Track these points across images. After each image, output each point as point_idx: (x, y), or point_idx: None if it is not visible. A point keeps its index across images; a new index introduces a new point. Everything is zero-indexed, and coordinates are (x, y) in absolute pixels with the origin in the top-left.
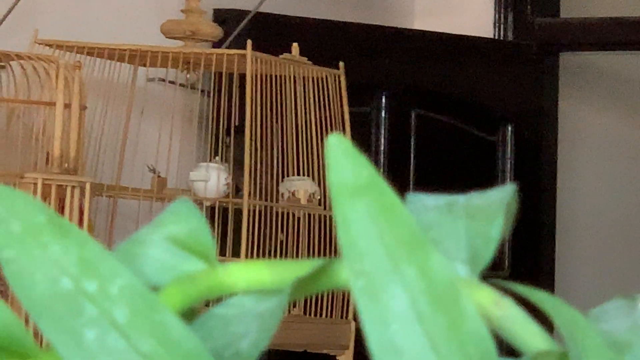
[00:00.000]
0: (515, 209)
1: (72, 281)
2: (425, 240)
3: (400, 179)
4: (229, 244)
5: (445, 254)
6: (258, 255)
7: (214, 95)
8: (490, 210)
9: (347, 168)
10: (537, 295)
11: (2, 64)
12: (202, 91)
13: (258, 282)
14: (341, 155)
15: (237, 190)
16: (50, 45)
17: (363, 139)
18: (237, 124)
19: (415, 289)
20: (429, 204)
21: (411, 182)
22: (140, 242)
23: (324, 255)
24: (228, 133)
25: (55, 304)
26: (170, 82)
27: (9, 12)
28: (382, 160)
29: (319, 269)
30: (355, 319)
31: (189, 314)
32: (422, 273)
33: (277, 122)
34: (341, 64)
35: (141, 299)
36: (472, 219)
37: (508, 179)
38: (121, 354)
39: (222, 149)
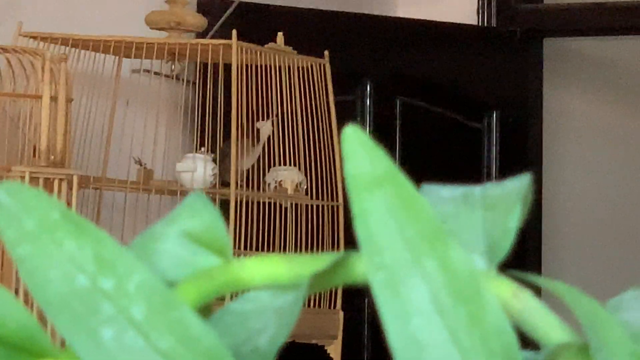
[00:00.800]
0: (530, 200)
1: (88, 278)
2: (445, 232)
3: None
4: None
5: (462, 245)
6: (246, 247)
7: (199, 85)
8: (507, 201)
9: (364, 160)
10: (556, 286)
11: None
12: (187, 82)
13: (274, 276)
14: (357, 146)
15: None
16: (34, 38)
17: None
18: (222, 114)
19: (436, 282)
20: (445, 195)
21: None
22: (155, 237)
23: (311, 244)
24: (214, 125)
25: (71, 302)
26: (155, 73)
27: None
28: None
29: (335, 263)
30: (343, 308)
31: (204, 310)
32: (442, 266)
33: (262, 111)
34: (326, 52)
35: (158, 296)
36: (489, 210)
37: (493, 166)
38: (139, 352)
39: (208, 140)
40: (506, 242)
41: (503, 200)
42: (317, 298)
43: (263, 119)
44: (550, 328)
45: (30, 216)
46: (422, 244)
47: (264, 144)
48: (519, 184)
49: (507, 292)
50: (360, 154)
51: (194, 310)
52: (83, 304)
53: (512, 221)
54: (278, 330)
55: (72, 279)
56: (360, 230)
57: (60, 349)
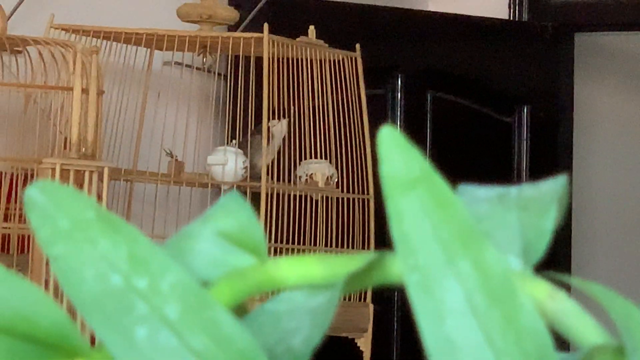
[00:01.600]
0: (566, 201)
1: (122, 278)
2: (479, 233)
3: None
4: None
5: (497, 246)
6: (277, 240)
7: (230, 78)
8: (543, 202)
9: (400, 160)
10: (592, 287)
11: (19, 49)
12: (219, 75)
13: (309, 277)
14: (393, 147)
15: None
16: (66, 30)
17: (379, 121)
18: (253, 107)
19: (470, 283)
20: (480, 196)
21: None
22: (190, 236)
23: (342, 237)
24: (245, 118)
25: (105, 301)
26: (186, 65)
27: None
28: None
29: (370, 263)
30: (373, 302)
31: (239, 310)
32: (477, 267)
33: (294, 105)
34: (357, 46)
35: (192, 295)
36: (524, 210)
37: (524, 161)
38: (173, 352)
39: (239, 133)
40: (541, 243)
41: (538, 201)
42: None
43: (294, 113)
44: (585, 329)
45: (65, 215)
46: (456, 245)
47: (295, 138)
48: (555, 185)
49: (542, 293)
50: (396, 154)
51: (228, 310)
52: (117, 303)
53: (548, 222)
54: (312, 330)
55: (106, 278)
56: (395, 232)
57: (93, 348)
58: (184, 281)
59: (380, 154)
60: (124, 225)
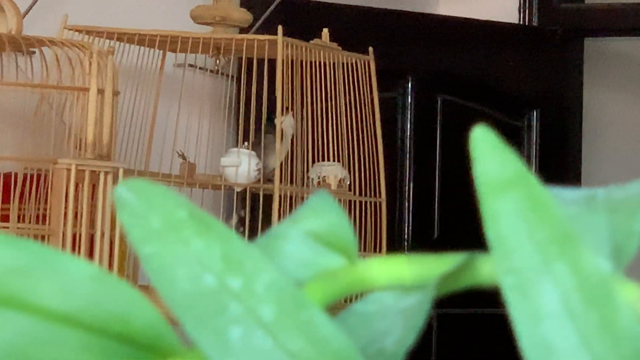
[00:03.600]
0: None
1: (216, 278)
2: (575, 235)
3: (426, 164)
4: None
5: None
6: None
7: (243, 80)
8: (632, 203)
9: (494, 162)
10: None
11: (34, 49)
12: (232, 77)
13: (399, 278)
14: (487, 148)
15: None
16: (79, 31)
17: (389, 124)
18: (267, 110)
19: (567, 286)
20: (567, 198)
21: (437, 168)
22: (279, 236)
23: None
24: (258, 121)
25: (198, 302)
26: (199, 68)
27: None
28: (408, 145)
29: (461, 265)
30: None
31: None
32: (573, 269)
33: (307, 107)
34: (371, 49)
35: (287, 296)
36: (613, 212)
37: (533, 164)
38: (268, 353)
39: (251, 135)
40: (631, 245)
41: (627, 203)
42: None
43: (307, 115)
44: None
45: (156, 215)
46: (552, 247)
47: (307, 140)
48: None
49: (633, 296)
50: (490, 155)
51: (323, 311)
52: (210, 303)
53: (637, 224)
54: (405, 332)
55: (200, 278)
56: (491, 233)
57: (187, 349)
58: (278, 282)
59: (474, 155)
60: (217, 224)
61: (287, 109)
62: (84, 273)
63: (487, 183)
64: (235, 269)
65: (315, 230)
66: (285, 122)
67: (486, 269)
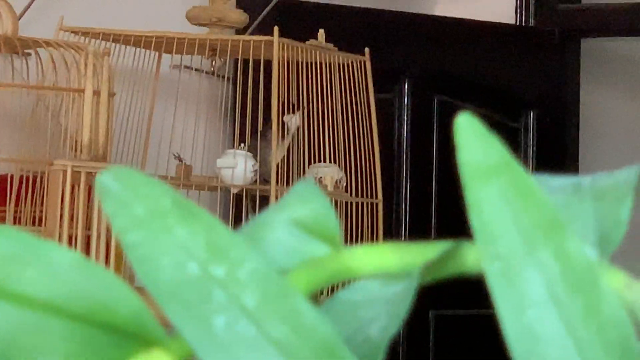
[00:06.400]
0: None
1: (200, 266)
2: (560, 222)
3: (423, 165)
4: None
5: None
6: None
7: (239, 82)
8: (618, 191)
9: (478, 149)
10: None
11: (29, 51)
12: (228, 78)
13: (384, 266)
14: (471, 135)
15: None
16: (75, 32)
17: (386, 125)
18: (262, 110)
19: (552, 273)
20: (554, 185)
21: (434, 169)
22: (264, 224)
23: (350, 241)
24: (254, 122)
25: (182, 290)
26: (195, 69)
27: None
28: (404, 146)
29: (446, 253)
30: None
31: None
32: (558, 256)
33: (303, 108)
34: (367, 50)
35: (271, 284)
36: (599, 200)
37: (530, 165)
38: (252, 341)
39: (247, 137)
40: (618, 233)
41: (614, 191)
42: None
43: (303, 116)
44: None
45: (140, 202)
46: (537, 233)
47: (304, 141)
48: (630, 175)
49: (619, 283)
50: (474, 142)
51: (308, 299)
52: (194, 291)
53: (624, 212)
54: (390, 320)
55: (183, 266)
56: (475, 220)
57: (171, 337)
58: (263, 270)
59: (458, 142)
60: (201, 212)
61: (294, 108)
62: (67, 261)
63: (471, 170)
64: (219, 257)
65: (300, 219)
66: (292, 120)
67: (471, 257)
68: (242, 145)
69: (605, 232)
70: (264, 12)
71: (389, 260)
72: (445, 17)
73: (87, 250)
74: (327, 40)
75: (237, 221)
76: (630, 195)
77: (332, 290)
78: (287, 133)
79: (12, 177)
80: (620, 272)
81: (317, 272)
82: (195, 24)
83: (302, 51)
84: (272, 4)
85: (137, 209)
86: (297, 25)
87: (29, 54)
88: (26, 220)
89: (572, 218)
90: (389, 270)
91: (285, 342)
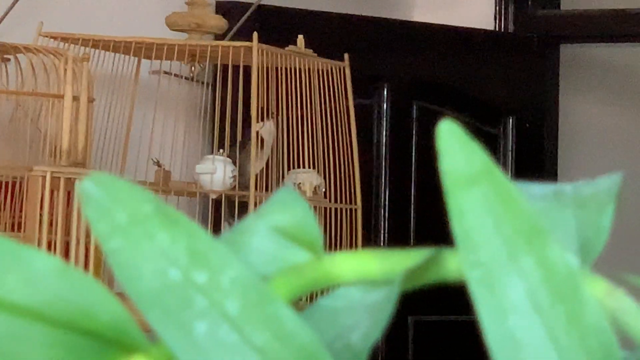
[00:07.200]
0: (620, 200)
1: (181, 272)
2: (543, 230)
3: (402, 170)
4: None
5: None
6: None
7: (218, 87)
8: (600, 199)
9: (460, 156)
10: None
11: (9, 56)
12: (207, 84)
13: (366, 273)
14: (454, 142)
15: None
16: (54, 38)
17: (365, 131)
18: (241, 116)
19: (533, 280)
20: (536, 193)
21: (413, 174)
22: (245, 231)
23: (329, 247)
24: (233, 128)
25: (163, 296)
26: (175, 75)
27: (14, 4)
28: (383, 152)
29: (428, 260)
30: None
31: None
32: (540, 263)
33: (282, 114)
34: (346, 56)
35: (253, 291)
36: (581, 208)
37: (509, 171)
38: (233, 347)
39: (227, 142)
40: (599, 241)
41: (595, 199)
42: None
43: (282, 122)
44: None
45: (122, 209)
46: (519, 241)
47: (283, 147)
48: (611, 183)
49: (600, 291)
50: (457, 150)
51: (289, 306)
52: (176, 298)
53: (605, 220)
54: (371, 327)
55: (165, 272)
56: (457, 227)
57: (153, 343)
58: (244, 276)
59: (440, 149)
60: (183, 219)
61: (268, 115)
62: (48, 267)
63: (453, 177)
64: (201, 264)
65: (281, 225)
66: (264, 129)
67: (453, 264)
68: (221, 150)
69: (587, 240)
70: (243, 18)
71: (370, 267)
72: (424, 23)
73: (66, 255)
74: (307, 46)
75: (216, 227)
76: (611, 203)
77: (313, 297)
78: (265, 145)
79: None
80: (601, 280)
81: (299, 278)
82: (175, 30)
83: (281, 57)
84: (251, 10)
85: (118, 215)
86: (277, 31)
87: (8, 60)
88: (5, 226)
89: (554, 225)
90: (370, 277)
91: (266, 349)
